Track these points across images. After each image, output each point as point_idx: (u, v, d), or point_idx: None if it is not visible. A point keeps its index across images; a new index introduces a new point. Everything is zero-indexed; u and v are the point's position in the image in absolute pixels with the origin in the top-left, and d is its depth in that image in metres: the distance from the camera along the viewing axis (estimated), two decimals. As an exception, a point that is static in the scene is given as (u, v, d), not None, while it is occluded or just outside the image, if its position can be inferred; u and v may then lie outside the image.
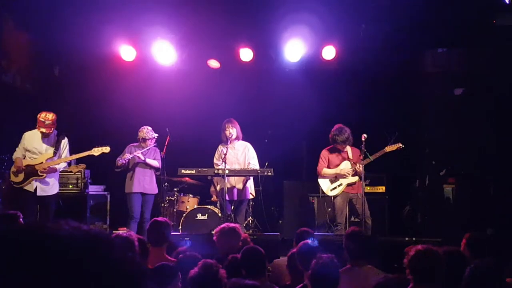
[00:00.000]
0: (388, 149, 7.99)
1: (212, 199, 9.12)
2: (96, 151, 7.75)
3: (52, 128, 7.58)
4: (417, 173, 9.86)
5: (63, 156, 7.66)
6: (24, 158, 7.59)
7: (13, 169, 7.60)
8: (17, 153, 7.65)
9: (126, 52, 9.75)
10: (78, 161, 8.40)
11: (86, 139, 8.60)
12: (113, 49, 9.63)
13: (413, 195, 9.85)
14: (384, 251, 6.67)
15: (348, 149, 8.23)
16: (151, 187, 8.44)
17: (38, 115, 7.53)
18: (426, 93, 9.92)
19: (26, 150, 7.63)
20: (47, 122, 7.50)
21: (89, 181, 9.25)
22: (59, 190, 8.02)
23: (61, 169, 7.87)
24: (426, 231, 8.66)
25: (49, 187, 7.63)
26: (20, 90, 9.59)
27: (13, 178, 7.60)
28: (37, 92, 9.88)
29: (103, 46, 9.42)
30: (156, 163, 8.40)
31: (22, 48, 9.68)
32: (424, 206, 9.51)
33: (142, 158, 8.28)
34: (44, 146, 7.63)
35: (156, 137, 8.48)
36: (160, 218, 5.70)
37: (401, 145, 7.96)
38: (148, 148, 8.38)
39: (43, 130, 7.51)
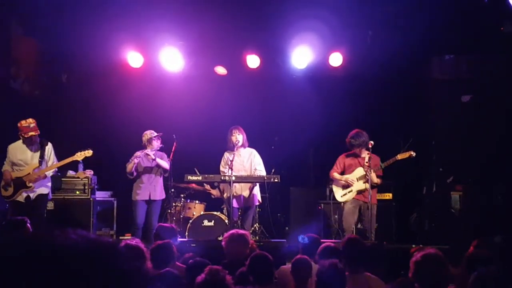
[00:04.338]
0: (400, 157, 7.93)
1: (211, 193, 9.10)
2: (79, 156, 7.70)
3: (38, 132, 7.49)
4: (424, 180, 9.82)
5: (50, 162, 7.61)
6: (12, 171, 7.56)
7: (2, 183, 7.56)
8: (5, 166, 7.62)
9: (134, 58, 9.79)
10: (85, 167, 8.44)
11: (93, 145, 8.60)
12: (121, 56, 9.68)
13: (420, 202, 9.81)
14: (391, 258, 6.64)
15: (366, 154, 8.15)
16: (158, 193, 8.44)
17: (19, 124, 7.44)
18: (433, 100, 9.89)
19: (12, 163, 7.58)
20: (32, 125, 7.42)
21: (96, 187, 9.27)
22: (65, 196, 8.01)
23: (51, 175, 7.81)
24: (433, 238, 8.62)
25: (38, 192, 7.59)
26: (28, 97, 9.65)
27: (3, 192, 7.55)
28: (45, 98, 9.93)
29: (111, 52, 9.47)
30: (165, 164, 8.38)
31: (31, 55, 9.75)
32: (431, 213, 9.46)
33: (153, 156, 8.25)
34: (29, 156, 7.56)
35: (160, 135, 8.46)
36: (166, 224, 5.72)
37: (412, 153, 7.87)
38: (155, 149, 8.36)
39: (32, 133, 7.41)
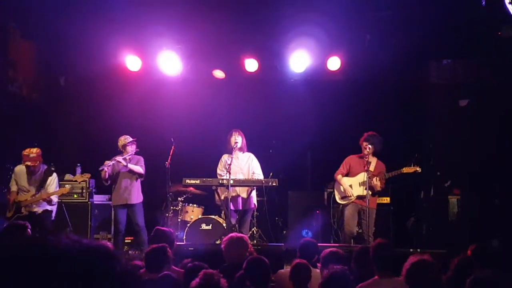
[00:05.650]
0: (405, 170, 7.91)
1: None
2: (63, 190, 7.84)
3: (38, 162, 7.58)
4: (422, 184, 9.82)
5: (49, 189, 7.67)
6: (17, 192, 7.66)
7: (9, 207, 7.64)
8: (13, 186, 7.71)
9: (132, 62, 9.79)
10: (83, 170, 8.44)
11: (91, 148, 8.62)
12: (119, 59, 9.67)
13: (418, 206, 9.81)
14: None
15: (373, 160, 8.15)
16: (134, 197, 8.33)
17: (23, 150, 7.57)
18: (431, 104, 9.91)
19: (18, 187, 7.69)
20: (31, 155, 7.51)
21: (94, 190, 9.26)
22: (62, 199, 8.02)
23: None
24: (431, 243, 8.62)
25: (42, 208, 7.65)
26: (26, 100, 9.65)
27: (7, 213, 7.62)
28: (43, 102, 9.93)
29: (109, 56, 9.46)
30: (139, 169, 8.31)
31: (29, 58, 9.75)
32: (429, 217, 9.46)
33: (124, 163, 8.17)
34: (32, 183, 7.66)
35: (135, 140, 8.41)
36: (163, 228, 5.71)
37: (418, 169, 7.86)
38: (129, 154, 8.31)
39: (28, 163, 7.52)
